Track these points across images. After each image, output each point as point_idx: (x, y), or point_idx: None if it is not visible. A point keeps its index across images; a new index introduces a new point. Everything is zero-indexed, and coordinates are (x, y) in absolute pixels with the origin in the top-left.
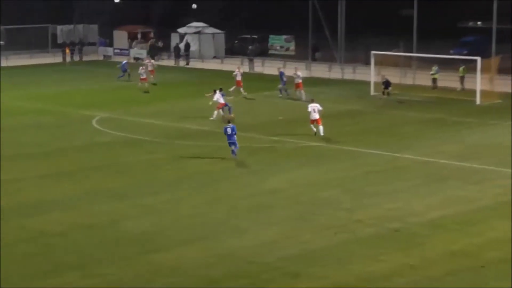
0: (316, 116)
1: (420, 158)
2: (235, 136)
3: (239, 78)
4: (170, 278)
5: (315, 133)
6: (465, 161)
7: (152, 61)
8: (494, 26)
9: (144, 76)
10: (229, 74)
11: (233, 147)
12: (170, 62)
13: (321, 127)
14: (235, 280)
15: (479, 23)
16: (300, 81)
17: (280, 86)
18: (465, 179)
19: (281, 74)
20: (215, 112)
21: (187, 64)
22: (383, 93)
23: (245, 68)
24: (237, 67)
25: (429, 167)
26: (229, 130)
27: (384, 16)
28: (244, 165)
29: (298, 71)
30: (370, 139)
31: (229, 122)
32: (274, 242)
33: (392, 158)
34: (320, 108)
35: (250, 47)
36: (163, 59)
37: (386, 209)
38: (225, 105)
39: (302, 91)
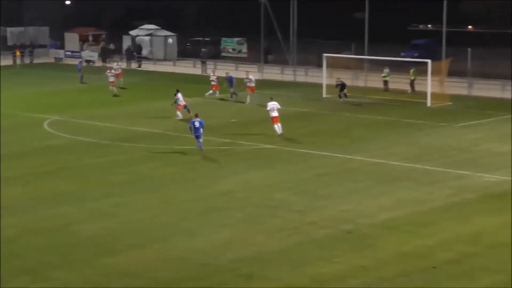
0: (275, 114)
1: (371, 159)
2: (201, 129)
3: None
4: (122, 281)
5: (279, 134)
6: (416, 162)
7: (120, 63)
8: (444, 28)
9: (112, 80)
10: (181, 76)
11: (199, 140)
12: (122, 65)
13: (279, 125)
14: (188, 282)
15: (429, 26)
16: (252, 84)
17: (231, 90)
18: (416, 181)
19: (230, 78)
20: (178, 112)
21: (139, 66)
22: (339, 95)
23: (198, 71)
24: (212, 71)
25: (381, 169)
26: (196, 124)
27: (336, 18)
28: (197, 168)
29: (250, 75)
30: (323, 141)
31: (196, 116)
32: (227, 244)
33: (344, 160)
34: (279, 107)
35: (203, 49)
36: (114, 61)
37: (339, 210)
38: (185, 106)
39: (249, 96)
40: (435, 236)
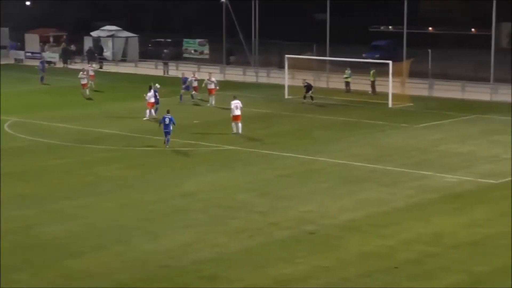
0: (237, 112)
1: (333, 160)
2: (171, 126)
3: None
4: (84, 283)
5: (235, 133)
6: (377, 163)
7: (94, 65)
8: (405, 30)
9: (85, 82)
10: (143, 78)
11: (168, 136)
12: (83, 66)
13: (240, 125)
14: (150, 284)
15: (390, 27)
16: (212, 87)
17: (182, 91)
18: (377, 181)
19: (185, 79)
20: (147, 111)
21: (101, 67)
22: (304, 97)
23: (160, 72)
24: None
25: (343, 170)
26: (167, 120)
27: (298, 20)
28: (159, 169)
29: (212, 77)
30: (285, 142)
31: (168, 112)
32: (189, 245)
33: (306, 161)
34: (241, 106)
35: (165, 50)
36: (76, 62)
37: (301, 211)
38: (156, 103)
39: (212, 97)
40: (397, 236)
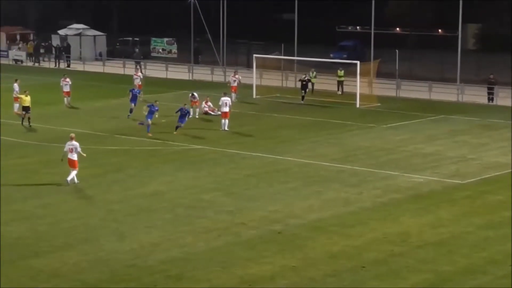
0: (226, 109)
1: (300, 160)
2: (152, 115)
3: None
4: (49, 283)
5: (223, 129)
6: (344, 163)
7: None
8: (372, 30)
9: (67, 90)
10: (111, 76)
11: (150, 123)
12: (51, 64)
13: (227, 122)
14: (116, 284)
15: (357, 27)
16: (235, 84)
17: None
18: (344, 181)
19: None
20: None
21: (68, 66)
22: (302, 98)
23: (128, 71)
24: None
25: (310, 170)
26: (153, 108)
27: (266, 19)
28: (124, 169)
29: (237, 74)
30: (252, 142)
31: (156, 101)
32: (155, 245)
33: (272, 160)
34: (231, 103)
35: (136, 50)
36: (45, 61)
37: (268, 211)
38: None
39: (234, 94)
40: (364, 236)
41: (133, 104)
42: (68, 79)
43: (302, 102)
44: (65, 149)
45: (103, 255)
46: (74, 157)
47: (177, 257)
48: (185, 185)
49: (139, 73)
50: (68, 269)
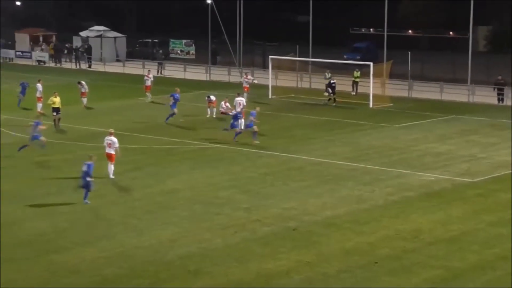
0: (239, 110)
1: (315, 159)
2: (175, 105)
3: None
4: (69, 279)
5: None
6: (357, 162)
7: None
8: (385, 32)
9: (84, 90)
10: (131, 78)
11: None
12: (72, 65)
13: (243, 121)
14: (135, 279)
15: (371, 29)
16: (247, 85)
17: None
18: (357, 179)
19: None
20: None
21: (89, 67)
22: (329, 99)
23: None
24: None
25: (324, 168)
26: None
27: (282, 21)
28: (142, 167)
29: (249, 75)
30: (267, 141)
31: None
32: (173, 241)
33: (287, 159)
34: (245, 103)
35: (160, 51)
36: (66, 61)
37: (283, 208)
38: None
39: (246, 94)
40: (376, 233)
41: (174, 109)
42: (151, 75)
43: (334, 104)
44: (104, 143)
45: (121, 251)
46: (112, 151)
47: (195, 253)
48: (202, 183)
49: (150, 75)
50: (87, 265)
